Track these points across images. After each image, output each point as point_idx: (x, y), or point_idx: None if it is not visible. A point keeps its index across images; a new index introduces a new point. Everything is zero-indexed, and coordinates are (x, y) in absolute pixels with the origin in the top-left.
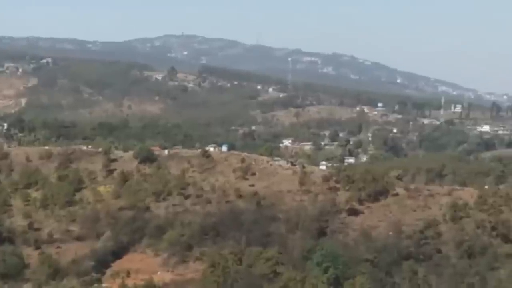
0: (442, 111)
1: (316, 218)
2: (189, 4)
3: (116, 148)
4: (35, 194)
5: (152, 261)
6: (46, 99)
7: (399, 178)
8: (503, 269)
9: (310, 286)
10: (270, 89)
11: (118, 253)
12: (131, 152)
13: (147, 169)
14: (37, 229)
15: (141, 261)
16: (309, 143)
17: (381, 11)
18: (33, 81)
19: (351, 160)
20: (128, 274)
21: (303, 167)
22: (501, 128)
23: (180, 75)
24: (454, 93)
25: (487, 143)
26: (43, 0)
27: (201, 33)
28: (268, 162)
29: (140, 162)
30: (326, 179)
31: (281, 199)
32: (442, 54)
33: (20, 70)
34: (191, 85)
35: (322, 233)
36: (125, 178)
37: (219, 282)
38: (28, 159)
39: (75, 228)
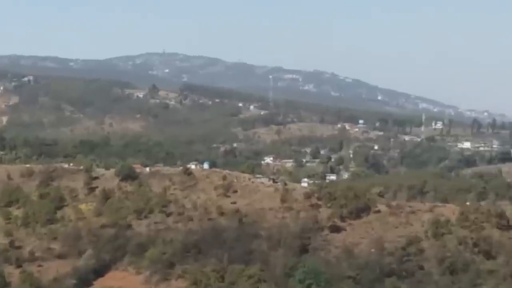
0: (423, 128)
1: (298, 235)
2: (170, 22)
3: (98, 166)
4: (16, 212)
5: (134, 279)
6: (28, 117)
7: (380, 195)
8: (485, 286)
9: None
10: (252, 107)
11: (100, 271)
12: (112, 170)
13: (128, 186)
14: (18, 247)
15: (123, 279)
16: (291, 160)
17: (362, 28)
18: (14, 99)
19: (333, 177)
20: None
21: (285, 184)
22: (482, 144)
23: (161, 93)
24: (435, 110)
25: (468, 160)
26: (25, 18)
27: (183, 51)
28: (249, 179)
29: (121, 180)
30: (308, 196)
31: (263, 217)
32: (423, 71)
33: (1, 88)
34: (172, 102)
35: (304, 250)
36: (106, 195)
37: None
38: (9, 177)
39: (56, 246)
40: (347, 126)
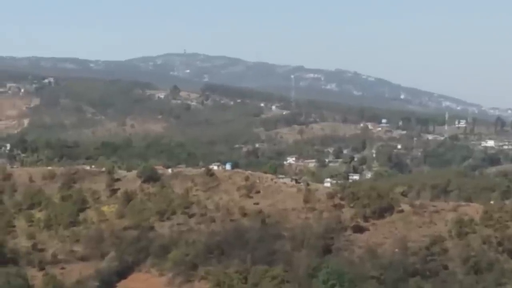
0: (446, 127)
1: (321, 236)
2: (191, 23)
3: (120, 168)
4: (38, 214)
5: (157, 281)
6: (49, 119)
7: (404, 194)
8: (510, 285)
9: None
10: (273, 107)
11: (122, 273)
12: (134, 172)
13: (150, 188)
14: (41, 250)
15: (146, 281)
16: (313, 160)
17: (384, 26)
18: (35, 101)
19: (356, 177)
20: None
21: (308, 184)
22: (506, 143)
23: (182, 94)
24: (458, 108)
25: (492, 158)
26: (45, 20)
27: (203, 51)
28: (272, 180)
29: (143, 182)
30: (330, 196)
31: (286, 217)
32: (446, 69)
33: (22, 90)
34: (194, 103)
35: (327, 250)
36: (128, 197)
37: None
38: (31, 180)
39: (79, 249)
40: (369, 126)
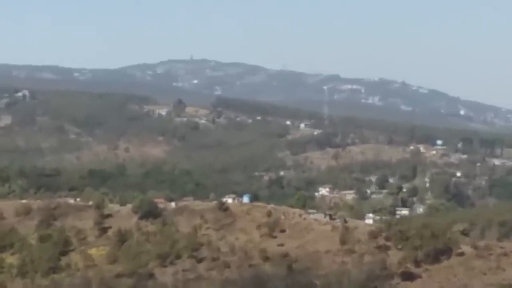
0: None
1: (362, 285)
2: (199, 23)
3: (111, 201)
4: (10, 259)
5: None
6: (23, 141)
7: (465, 233)
8: None
9: None
10: (302, 125)
11: None
12: (129, 206)
13: (149, 226)
14: None
15: None
16: (352, 191)
17: (439, 27)
18: (6, 119)
19: (405, 211)
20: None
21: (345, 221)
22: None
23: (189, 109)
24: None
25: None
26: (18, 20)
27: (214, 57)
28: (300, 215)
29: (140, 218)
30: (373, 235)
31: (318, 262)
32: None
33: None
34: (203, 121)
35: None
36: (122, 238)
37: None
38: (1, 216)
39: None
40: (422, 148)
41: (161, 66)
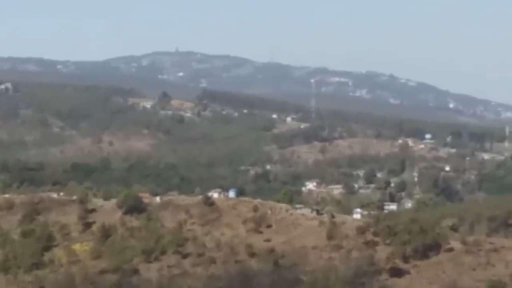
0: (507, 143)
1: (350, 281)
2: (185, 14)
3: (95, 196)
4: None
5: None
6: (5, 134)
7: (454, 228)
8: None
9: None
10: (289, 119)
11: None
12: (113, 201)
13: (134, 221)
14: None
15: None
16: (339, 186)
17: (427, 19)
18: None
19: (393, 206)
20: None
21: (332, 216)
22: None
23: (174, 102)
24: None
25: None
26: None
27: (200, 49)
28: (287, 210)
29: (125, 213)
30: (361, 231)
31: (305, 257)
32: (506, 72)
33: None
34: (188, 114)
35: None
36: (106, 233)
37: None
38: None
39: None
40: (410, 142)
41: (146, 58)
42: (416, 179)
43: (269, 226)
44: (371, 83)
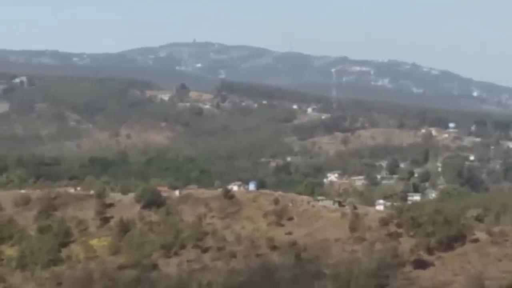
0: None
1: (373, 273)
2: (201, 4)
3: (113, 190)
4: (9, 251)
5: None
6: (21, 129)
7: (479, 219)
8: None
9: None
10: (309, 109)
11: None
12: (132, 195)
13: (153, 215)
14: None
15: None
16: (362, 177)
17: (450, 7)
18: (3, 107)
19: (417, 197)
20: None
21: (355, 208)
22: None
23: (192, 94)
24: None
25: None
26: (15, 4)
27: (218, 40)
28: (309, 202)
29: (143, 207)
30: (384, 222)
31: (327, 250)
32: None
33: None
34: (207, 106)
35: None
36: (125, 228)
37: None
38: None
39: None
40: (433, 132)
41: (163, 49)
42: (440, 169)
43: (290, 219)
44: (393, 72)
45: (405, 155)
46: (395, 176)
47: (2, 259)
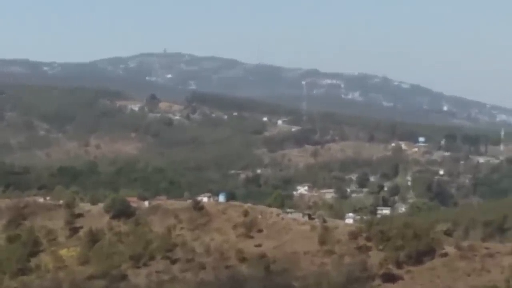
0: (502, 147)
1: (342, 287)
2: (173, 15)
3: (82, 200)
4: None
5: None
6: None
7: (448, 233)
8: None
9: None
10: (280, 121)
11: None
12: (101, 205)
13: (122, 226)
14: None
15: None
16: (331, 190)
17: (421, 20)
18: None
19: (386, 211)
20: None
21: (324, 221)
22: None
23: (162, 105)
24: None
25: None
26: None
27: (189, 51)
28: (278, 215)
29: (113, 218)
30: (353, 236)
31: (297, 263)
32: (500, 73)
33: None
34: (177, 117)
35: None
36: (94, 238)
37: None
38: None
39: None
40: (403, 145)
41: (134, 59)
42: (409, 183)
43: (260, 231)
44: (364, 85)
45: (375, 168)
46: (364, 189)
47: None
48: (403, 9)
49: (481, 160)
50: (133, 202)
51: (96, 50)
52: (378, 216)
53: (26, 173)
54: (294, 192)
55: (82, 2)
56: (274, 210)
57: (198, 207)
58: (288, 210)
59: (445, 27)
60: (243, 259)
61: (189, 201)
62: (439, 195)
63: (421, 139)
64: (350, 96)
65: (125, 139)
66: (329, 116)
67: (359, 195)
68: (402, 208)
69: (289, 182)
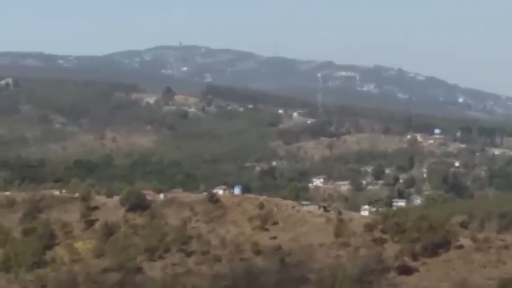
0: None
1: (357, 279)
2: (189, 8)
3: (98, 193)
4: None
5: None
6: (6, 131)
7: (464, 225)
8: None
9: None
10: (295, 114)
11: None
12: (116, 198)
13: (137, 219)
14: None
15: None
16: (347, 182)
17: (436, 12)
18: None
19: (402, 203)
20: None
21: (339, 213)
22: None
23: (178, 98)
24: None
25: None
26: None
27: (204, 44)
28: (294, 207)
29: (128, 210)
30: (369, 228)
31: (312, 255)
32: None
33: None
34: (192, 109)
35: None
36: (109, 231)
37: None
38: None
39: None
40: (419, 137)
41: (149, 52)
42: (425, 175)
43: (275, 224)
44: (379, 77)
45: (390, 160)
46: (380, 181)
47: None
48: (419, 0)
49: (497, 152)
50: (149, 194)
51: (112, 43)
52: (394, 208)
53: (42, 166)
54: (310, 185)
55: None
56: (290, 202)
57: (214, 199)
58: (304, 202)
59: (460, 19)
60: (258, 252)
61: (205, 193)
62: (454, 187)
63: (437, 131)
64: (365, 88)
65: (141, 132)
66: (345, 108)
67: (374, 187)
68: (417, 200)
69: (305, 175)
